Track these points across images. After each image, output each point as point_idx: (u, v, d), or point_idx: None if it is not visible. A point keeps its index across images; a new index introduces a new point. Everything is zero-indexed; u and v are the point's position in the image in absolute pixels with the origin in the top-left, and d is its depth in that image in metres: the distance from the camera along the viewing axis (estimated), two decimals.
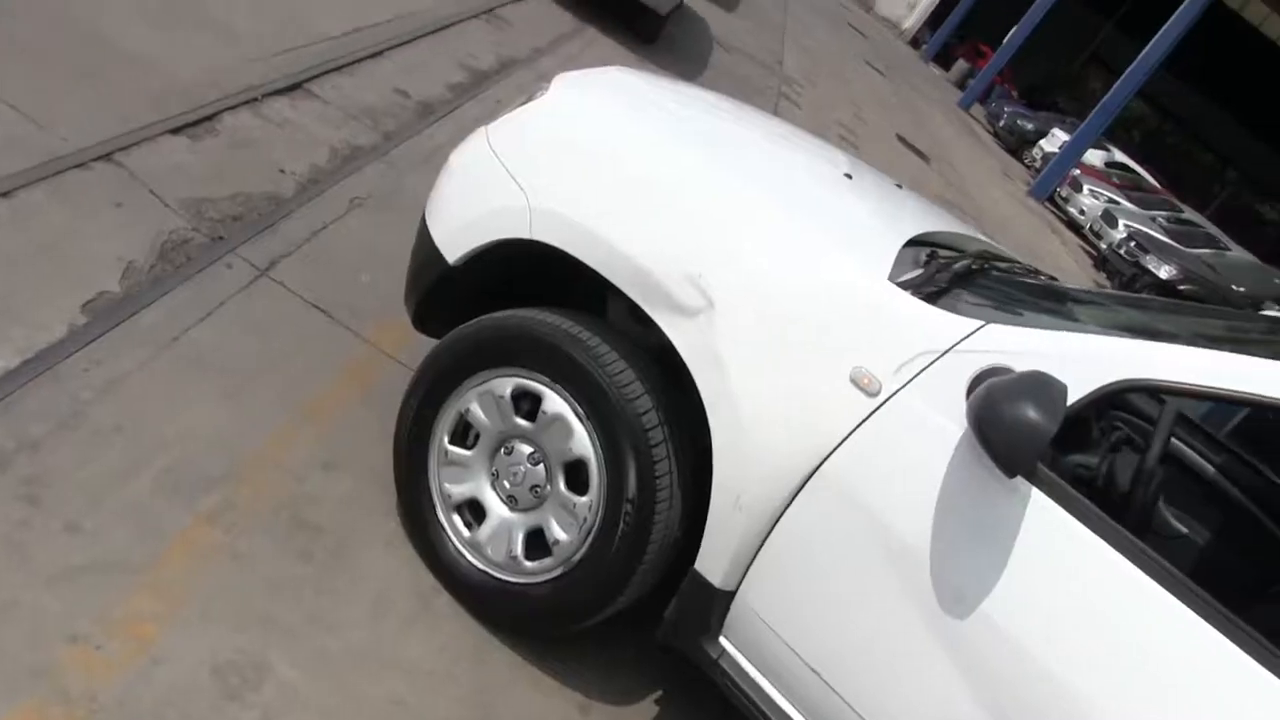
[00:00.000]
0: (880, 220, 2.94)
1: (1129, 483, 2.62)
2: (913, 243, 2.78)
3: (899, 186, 3.61)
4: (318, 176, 4.07)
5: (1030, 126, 26.79)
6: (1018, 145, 26.52)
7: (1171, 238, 18.63)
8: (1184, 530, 3.60)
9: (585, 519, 2.56)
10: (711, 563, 2.46)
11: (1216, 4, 20.19)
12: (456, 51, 6.36)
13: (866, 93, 17.06)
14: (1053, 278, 3.58)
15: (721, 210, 2.54)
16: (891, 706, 2.37)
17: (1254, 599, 3.14)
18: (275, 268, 3.44)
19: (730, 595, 2.49)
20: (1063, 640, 2.20)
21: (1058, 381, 2.13)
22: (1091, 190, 21.13)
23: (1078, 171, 21.65)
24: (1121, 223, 18.21)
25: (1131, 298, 3.07)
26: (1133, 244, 17.05)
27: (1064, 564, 2.21)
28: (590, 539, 2.57)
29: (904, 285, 2.44)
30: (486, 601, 2.74)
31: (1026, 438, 2.05)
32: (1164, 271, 15.49)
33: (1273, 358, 2.19)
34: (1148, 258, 16.48)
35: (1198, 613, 2.12)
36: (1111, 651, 2.17)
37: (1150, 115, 42.57)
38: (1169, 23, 19.66)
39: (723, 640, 2.56)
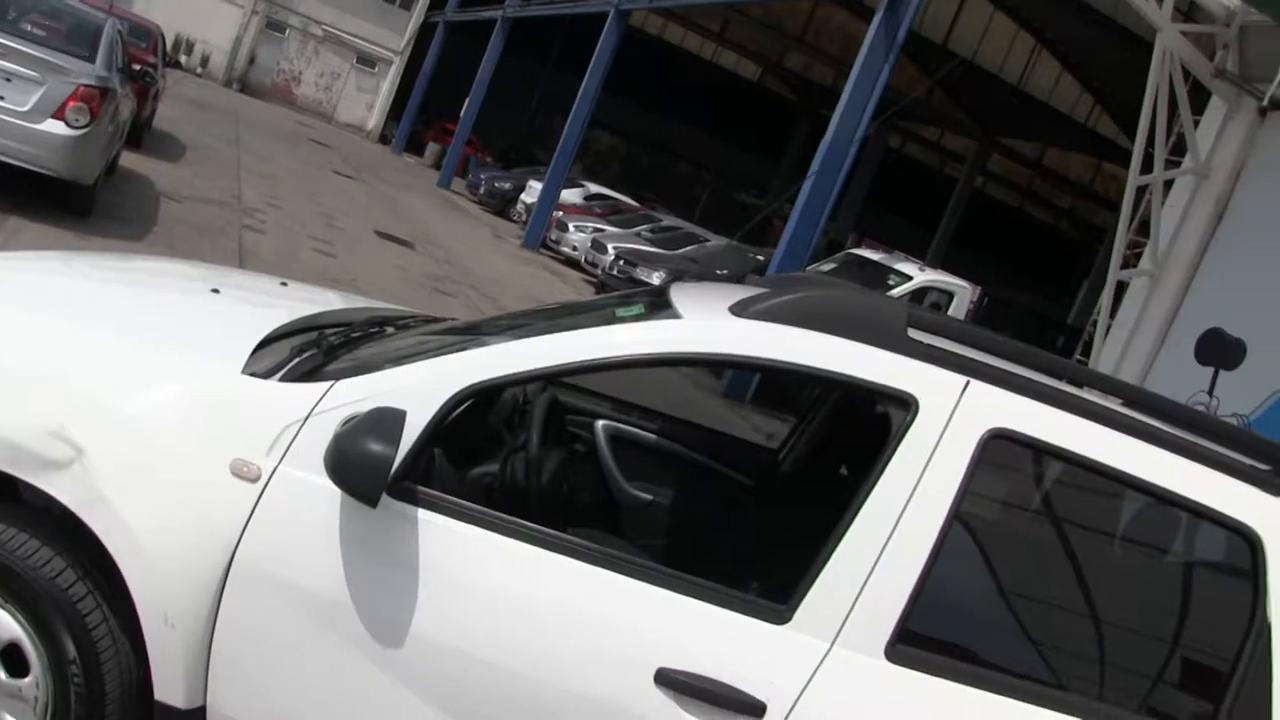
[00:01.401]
0: (240, 323, 3.11)
1: (523, 476, 2.95)
2: (289, 333, 2.99)
3: (284, 284, 3.83)
4: None
5: (508, 185, 28.28)
6: (503, 206, 27.87)
7: (656, 246, 20.40)
8: (649, 498, 3.99)
9: (36, 698, 2.53)
10: (168, 686, 2.51)
11: (629, 28, 22.08)
12: None
13: (338, 201, 17.31)
14: (451, 319, 3.89)
15: (64, 361, 2.62)
16: None
17: (720, 539, 3.58)
18: None
19: (201, 710, 2.56)
20: (492, 631, 2.45)
21: (395, 411, 2.40)
22: (577, 226, 22.64)
23: (560, 213, 23.08)
24: (610, 246, 19.60)
25: (504, 317, 3.42)
26: (622, 262, 18.41)
27: (468, 565, 2.47)
28: (50, 714, 2.54)
29: (262, 373, 2.63)
30: None
31: (373, 467, 2.29)
32: (655, 278, 16.80)
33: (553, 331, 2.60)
34: (638, 270, 17.86)
35: (595, 563, 2.46)
36: (537, 627, 2.45)
37: (619, 144, 45.99)
38: (595, 55, 21.41)
39: None
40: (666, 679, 2.38)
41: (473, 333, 3.10)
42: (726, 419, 11.27)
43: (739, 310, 2.61)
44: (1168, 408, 2.69)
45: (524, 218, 25.03)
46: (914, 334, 2.55)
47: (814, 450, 3.80)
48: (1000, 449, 2.48)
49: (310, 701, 2.54)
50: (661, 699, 2.38)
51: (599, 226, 22.59)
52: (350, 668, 2.48)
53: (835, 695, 2.38)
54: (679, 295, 2.89)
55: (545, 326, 2.79)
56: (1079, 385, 2.72)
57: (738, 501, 3.90)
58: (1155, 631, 2.67)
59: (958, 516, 2.43)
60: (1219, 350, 8.59)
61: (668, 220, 24.46)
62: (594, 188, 28.18)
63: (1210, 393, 8.77)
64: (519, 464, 3.04)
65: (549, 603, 2.46)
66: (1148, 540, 2.79)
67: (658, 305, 2.87)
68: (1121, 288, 9.98)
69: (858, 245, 24.72)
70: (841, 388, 3.39)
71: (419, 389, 2.52)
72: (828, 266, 17.37)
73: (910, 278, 17.01)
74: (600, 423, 4.06)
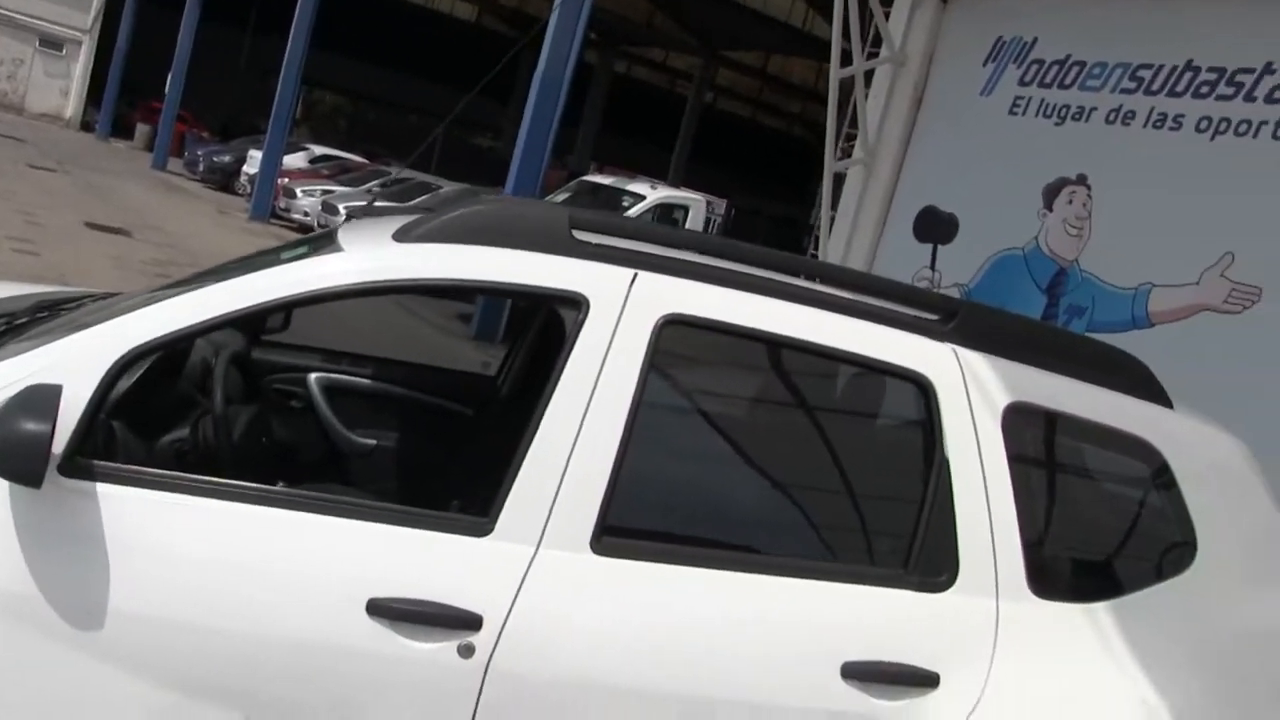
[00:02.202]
0: None
1: (214, 436, 2.87)
2: None
3: None
4: None
5: (228, 158, 27.06)
6: (226, 181, 26.64)
7: (389, 199, 19.91)
8: (373, 443, 3.95)
9: None
10: None
11: None
12: None
13: (38, 196, 16.21)
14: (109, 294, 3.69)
15: None
16: None
17: (442, 471, 3.58)
18: None
19: None
20: (195, 593, 2.38)
21: (49, 386, 2.28)
22: (305, 190, 21.92)
23: (286, 180, 22.28)
24: (341, 206, 19.05)
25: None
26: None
27: (161, 531, 2.40)
28: None
29: None
30: None
31: (29, 447, 2.18)
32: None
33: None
34: None
35: (293, 508, 2.45)
36: (240, 581, 2.40)
37: (344, 102, 44.67)
38: (296, 12, 20.60)
39: None
40: (379, 608, 2.38)
41: (138, 299, 2.98)
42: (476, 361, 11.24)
43: (401, 236, 2.61)
44: (837, 274, 2.83)
45: (249, 190, 24.04)
46: (580, 236, 2.60)
47: (524, 370, 3.84)
48: (677, 334, 2.56)
49: (15, 704, 2.42)
50: (377, 629, 2.38)
51: (328, 188, 21.93)
52: (52, 660, 2.37)
53: (548, 595, 2.43)
54: (345, 232, 2.86)
55: (210, 280, 2.70)
56: (751, 264, 2.82)
57: (461, 433, 3.91)
58: (850, 483, 2.83)
59: (645, 404, 2.50)
60: (934, 227, 9.05)
61: (400, 172, 23.94)
62: (319, 150, 27.29)
63: (932, 267, 9.26)
64: (208, 425, 2.95)
65: (249, 555, 2.42)
66: (833, 400, 2.94)
67: (323, 244, 2.82)
68: (840, 179, 10.37)
69: (599, 174, 24.88)
70: (514, 297, 3.44)
71: (76, 361, 2.40)
72: (561, 197, 17.47)
73: (644, 197, 17.31)
74: (313, 376, 3.99)
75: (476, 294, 2.72)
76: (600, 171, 26.91)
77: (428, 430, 4.00)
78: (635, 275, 2.55)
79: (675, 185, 22.68)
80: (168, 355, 3.18)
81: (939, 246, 9.02)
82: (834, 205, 10.24)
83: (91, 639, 2.36)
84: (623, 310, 2.51)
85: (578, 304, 2.52)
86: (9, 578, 2.33)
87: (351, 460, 3.98)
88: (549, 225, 2.58)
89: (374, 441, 4.00)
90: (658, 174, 24.60)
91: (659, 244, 2.74)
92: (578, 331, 2.50)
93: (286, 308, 2.55)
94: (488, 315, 12.77)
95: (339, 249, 2.67)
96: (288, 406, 3.99)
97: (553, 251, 2.55)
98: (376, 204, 14.66)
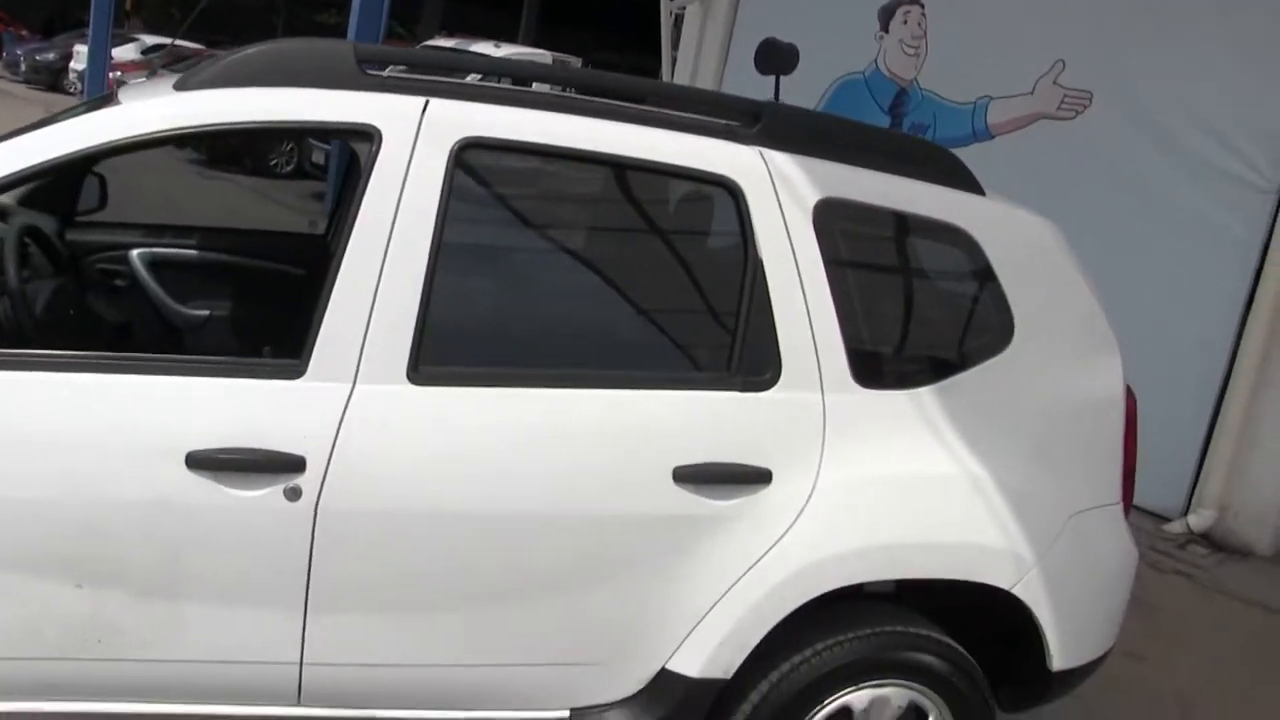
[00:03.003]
0: None
1: (14, 311, 2.77)
2: None
3: None
4: None
5: (53, 56, 25.58)
6: (54, 80, 25.30)
7: None
8: (206, 313, 3.86)
9: None
10: None
11: None
12: None
13: None
14: None
15: None
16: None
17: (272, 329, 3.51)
18: None
19: None
20: (5, 469, 2.33)
21: None
22: (138, 83, 20.89)
23: (118, 73, 21.16)
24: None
25: None
26: None
27: None
28: None
29: None
30: None
31: None
32: None
33: None
34: None
35: (105, 370, 2.40)
36: (54, 450, 2.35)
37: None
38: None
39: None
40: (199, 461, 2.35)
41: None
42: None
43: (182, 85, 2.51)
44: (639, 87, 2.79)
45: (80, 87, 22.81)
46: (369, 70, 2.52)
47: (341, 218, 3.77)
48: (476, 157, 2.52)
49: None
50: (200, 481, 2.36)
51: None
52: None
53: (368, 430, 2.42)
54: (126, 91, 2.76)
55: None
56: (552, 84, 2.77)
57: (294, 294, 3.83)
58: (668, 293, 2.84)
59: (451, 231, 2.47)
60: (775, 59, 8.99)
61: (173, 44, 22.89)
62: (151, 39, 25.95)
63: (776, 98, 9.25)
64: (5, 302, 2.84)
65: (61, 422, 2.36)
66: (645, 212, 2.92)
67: (103, 103, 2.70)
68: (679, 20, 10.23)
69: (445, 39, 24.14)
70: (303, 135, 3.37)
71: None
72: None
73: (488, 58, 16.89)
74: (135, 252, 3.86)
75: (265, 136, 2.64)
76: (451, 37, 26.12)
77: (260, 295, 3.91)
78: (427, 103, 2.49)
79: (525, 45, 22.13)
80: None
81: (781, 78, 8.99)
82: (675, 46, 10.13)
83: None
84: (416, 138, 2.46)
85: (370, 136, 2.45)
86: None
87: (186, 334, 3.89)
88: (333, 60, 2.50)
89: (207, 312, 3.91)
90: (510, 37, 23.94)
91: (453, 72, 2.67)
92: (372, 164, 2.44)
93: (60, 169, 2.44)
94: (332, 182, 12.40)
95: (117, 104, 2.55)
96: (113, 286, 3.87)
97: (340, 86, 2.48)
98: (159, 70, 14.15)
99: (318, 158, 13.38)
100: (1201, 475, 5.94)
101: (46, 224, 3.37)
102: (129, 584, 2.42)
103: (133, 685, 2.51)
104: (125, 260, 3.86)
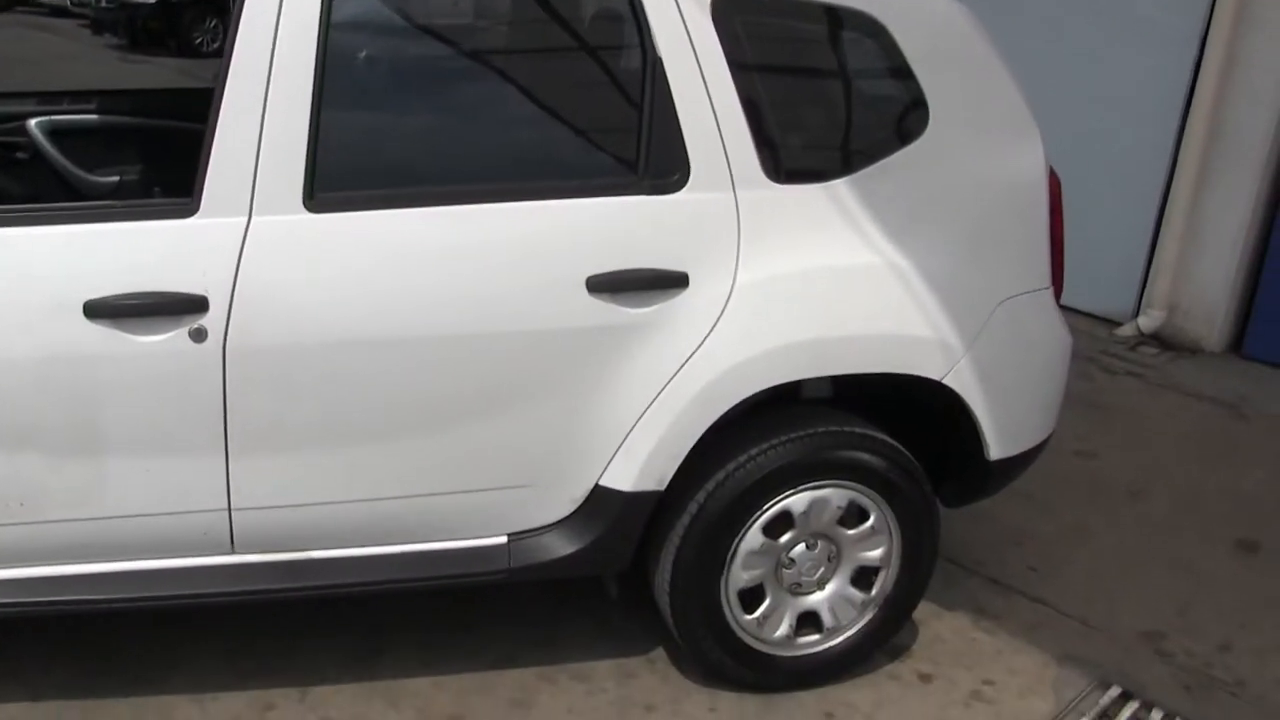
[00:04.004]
0: None
1: None
2: None
3: None
4: None
5: None
6: None
7: None
8: (117, 178, 3.75)
9: None
10: None
11: None
12: None
13: None
14: None
15: None
16: None
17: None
18: None
19: None
20: None
21: None
22: None
23: None
24: None
25: None
26: None
27: None
28: None
29: None
30: None
31: None
32: None
33: None
34: None
35: None
36: None
37: None
38: None
39: None
40: (98, 309, 2.28)
41: None
42: None
43: None
44: None
45: None
46: None
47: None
48: None
49: None
50: (102, 330, 2.30)
51: None
52: None
53: (268, 262, 2.35)
54: None
55: None
56: None
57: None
58: (566, 99, 2.73)
59: (335, 49, 2.36)
60: None
61: None
62: None
63: None
64: None
65: None
66: (538, 16, 2.77)
67: None
68: None
69: None
70: None
71: None
72: None
73: None
74: (33, 121, 3.71)
75: None
76: None
77: (168, 154, 3.78)
78: None
79: None
80: None
81: None
82: None
83: None
84: None
85: None
86: None
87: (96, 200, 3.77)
88: None
89: (116, 177, 3.79)
90: None
91: None
92: None
93: None
94: None
95: None
96: (14, 159, 3.73)
97: None
98: None
99: None
100: (1149, 277, 5.92)
101: None
102: (43, 443, 2.37)
103: (63, 547, 2.48)
104: (23, 131, 3.72)
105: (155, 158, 3.84)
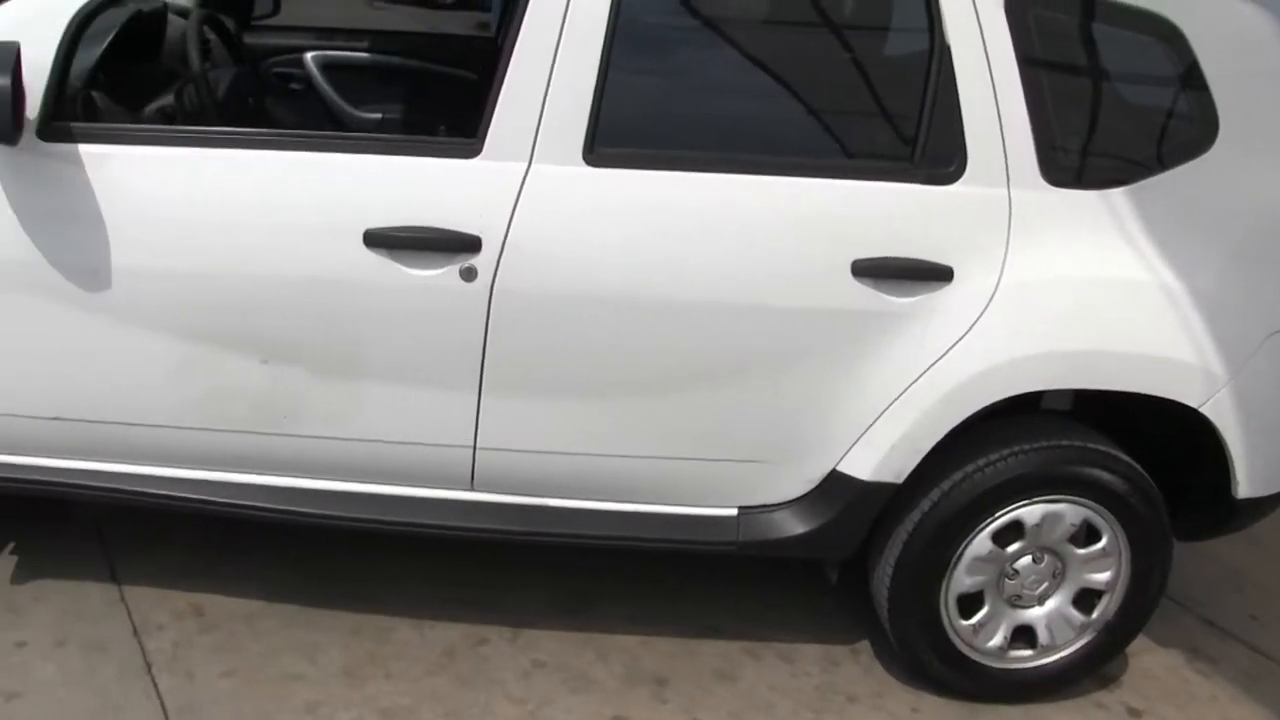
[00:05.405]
0: None
1: (197, 95, 2.82)
2: None
3: None
4: None
5: None
6: None
7: None
8: (379, 115, 3.90)
9: None
10: None
11: None
12: None
13: None
14: None
15: None
16: (132, 400, 2.51)
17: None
18: None
19: None
20: (195, 240, 2.41)
21: (5, 43, 2.21)
22: None
23: None
24: None
25: None
26: None
27: (152, 182, 2.40)
28: None
29: None
30: None
31: None
32: None
33: None
34: None
35: (284, 148, 2.44)
36: (238, 223, 2.42)
37: None
38: None
39: None
40: (376, 239, 2.37)
41: None
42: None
43: None
44: None
45: None
46: None
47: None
48: None
49: (34, 373, 2.49)
50: (377, 260, 2.39)
51: None
52: (65, 324, 2.41)
53: (543, 210, 2.40)
54: None
55: None
56: None
57: (466, 97, 3.82)
58: (850, 79, 2.71)
59: (625, 10, 2.39)
60: None
61: None
62: None
63: None
64: (191, 88, 2.90)
65: (243, 198, 2.41)
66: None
67: None
68: None
69: None
70: None
71: (30, 18, 2.35)
72: None
73: None
74: (310, 55, 3.89)
75: None
76: None
77: (432, 98, 3.91)
78: None
79: None
80: (151, 34, 3.10)
81: None
82: None
83: (102, 300, 2.39)
84: None
85: None
86: (8, 249, 2.34)
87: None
88: None
89: (380, 115, 3.93)
90: None
91: None
92: None
93: None
94: None
95: None
96: (289, 90, 3.92)
97: None
98: None
99: None
100: None
101: (216, 15, 3.41)
102: (310, 361, 2.48)
103: (315, 462, 2.60)
104: (300, 64, 3.89)
105: (418, 99, 3.97)
